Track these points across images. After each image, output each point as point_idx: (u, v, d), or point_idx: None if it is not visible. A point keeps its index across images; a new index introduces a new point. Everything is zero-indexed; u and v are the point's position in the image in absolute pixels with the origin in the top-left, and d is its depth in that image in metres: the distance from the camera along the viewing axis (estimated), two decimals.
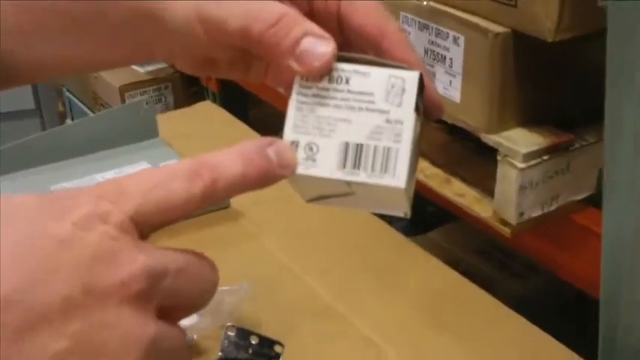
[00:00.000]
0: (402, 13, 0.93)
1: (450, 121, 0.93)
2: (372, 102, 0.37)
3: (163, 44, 0.45)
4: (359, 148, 0.37)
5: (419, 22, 0.91)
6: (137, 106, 0.99)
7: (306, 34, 0.39)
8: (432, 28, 0.89)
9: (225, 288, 0.69)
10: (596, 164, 0.90)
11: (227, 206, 0.86)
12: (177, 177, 0.34)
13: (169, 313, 0.33)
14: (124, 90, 1.64)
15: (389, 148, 0.37)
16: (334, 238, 0.82)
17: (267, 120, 1.35)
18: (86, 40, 0.46)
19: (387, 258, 0.79)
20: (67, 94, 1.95)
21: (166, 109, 1.64)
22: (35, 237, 0.30)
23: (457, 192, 0.96)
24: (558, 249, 0.92)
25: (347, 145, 0.37)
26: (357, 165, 0.37)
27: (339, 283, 0.74)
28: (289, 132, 0.38)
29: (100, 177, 0.93)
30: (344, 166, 0.37)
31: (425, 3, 0.90)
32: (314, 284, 0.74)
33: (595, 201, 0.91)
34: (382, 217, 0.90)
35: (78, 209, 0.31)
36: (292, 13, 0.40)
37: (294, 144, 0.38)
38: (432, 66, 0.91)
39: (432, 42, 0.90)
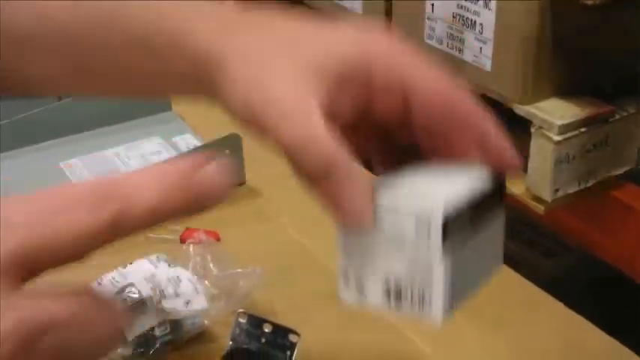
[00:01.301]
0: None
1: (479, 92, 0.87)
2: (403, 242, 0.38)
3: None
4: (398, 284, 0.39)
5: None
6: None
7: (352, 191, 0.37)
8: None
9: (238, 271, 0.64)
10: (636, 137, 0.84)
11: (243, 183, 0.81)
12: (79, 204, 0.28)
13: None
14: None
15: (423, 289, 0.38)
16: None
17: None
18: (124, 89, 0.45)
19: None
20: None
21: None
22: None
23: None
24: (595, 228, 0.86)
25: (389, 279, 0.39)
26: (398, 297, 0.39)
27: None
28: (341, 258, 0.41)
29: (110, 152, 0.88)
30: (388, 297, 0.39)
31: None
32: (332, 268, 0.69)
33: (635, 176, 0.85)
34: None
35: None
36: (343, 159, 0.36)
37: (344, 269, 0.41)
38: (461, 32, 0.85)
39: (461, 6, 0.84)
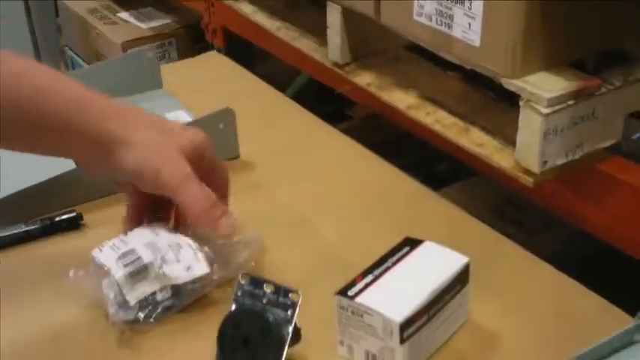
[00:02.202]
0: None
1: (468, 67, 0.89)
2: (377, 332, 0.56)
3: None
4: (374, 355, 0.58)
5: None
6: (139, 55, 0.94)
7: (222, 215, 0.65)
8: None
9: (237, 239, 0.65)
10: (622, 110, 0.85)
11: (237, 156, 0.82)
12: None
13: None
14: (126, 46, 1.59)
15: None
16: (349, 188, 0.78)
17: (273, 75, 1.31)
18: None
19: (405, 208, 0.75)
20: (70, 52, 1.90)
21: None
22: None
23: (476, 142, 0.91)
24: (583, 200, 0.87)
25: (368, 351, 0.58)
26: None
27: (355, 233, 0.71)
28: (339, 334, 0.59)
29: None
30: None
31: None
32: (329, 235, 0.71)
33: (621, 149, 0.87)
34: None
35: None
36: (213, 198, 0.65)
37: (342, 342, 0.59)
38: (450, 8, 0.86)
39: None
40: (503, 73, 0.83)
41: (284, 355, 0.54)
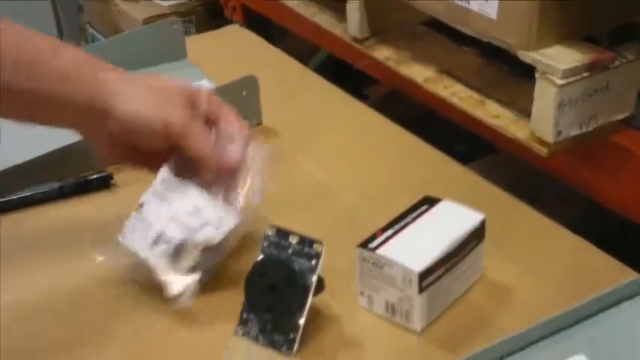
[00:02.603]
0: None
1: (485, 40, 0.91)
2: (396, 282, 0.60)
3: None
4: (393, 305, 0.61)
5: None
6: (164, 26, 0.97)
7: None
8: None
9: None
10: (636, 83, 0.87)
11: (260, 123, 0.85)
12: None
13: None
14: (147, 23, 1.61)
15: (407, 311, 0.61)
16: (370, 154, 0.80)
17: (292, 51, 1.34)
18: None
19: (425, 173, 0.77)
20: (90, 29, 1.93)
21: None
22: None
23: (492, 113, 0.93)
24: (596, 172, 0.90)
25: (387, 301, 0.61)
26: (393, 312, 0.62)
27: (375, 196, 0.73)
28: (360, 285, 0.63)
29: None
30: (387, 310, 0.62)
31: None
32: (350, 198, 0.73)
33: (634, 122, 0.89)
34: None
35: None
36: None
37: (361, 288, 0.63)
38: None
39: None
40: (519, 46, 0.86)
41: (308, 303, 0.57)
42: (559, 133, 0.85)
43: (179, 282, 0.60)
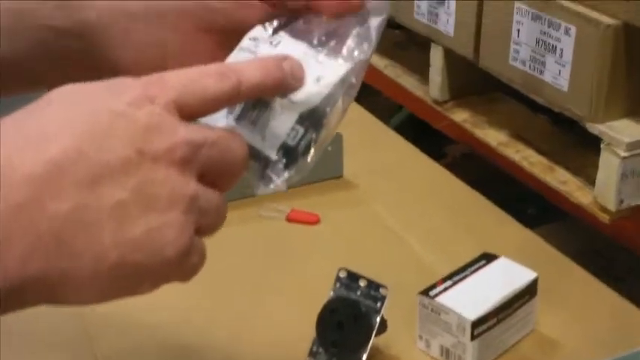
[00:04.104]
0: (515, 4, 0.97)
1: (556, 110, 0.97)
2: (451, 328, 0.66)
3: None
4: (448, 349, 0.66)
5: (532, 12, 0.95)
6: None
7: None
8: (545, 19, 0.93)
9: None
10: None
11: (340, 176, 0.93)
12: (210, 75, 0.41)
13: (210, 179, 0.40)
14: None
15: (460, 355, 0.66)
16: (438, 207, 0.87)
17: (375, 109, 1.42)
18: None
19: (487, 227, 0.83)
20: None
21: None
22: (96, 111, 0.37)
23: (560, 179, 0.99)
24: None
25: (442, 345, 0.67)
26: (447, 356, 0.67)
27: (442, 249, 0.80)
28: (419, 329, 0.68)
29: None
30: (441, 354, 0.67)
31: None
32: (417, 250, 0.80)
33: None
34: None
35: (131, 92, 0.38)
36: None
37: (421, 336, 0.68)
38: (543, 56, 0.95)
39: (544, 32, 0.94)
40: (588, 118, 0.92)
41: (371, 341, 0.63)
42: (621, 201, 0.90)
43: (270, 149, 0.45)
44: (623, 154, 0.88)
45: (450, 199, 0.90)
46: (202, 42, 0.49)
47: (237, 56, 0.47)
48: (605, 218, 0.92)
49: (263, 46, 0.47)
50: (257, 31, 0.49)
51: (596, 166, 0.91)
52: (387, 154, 0.99)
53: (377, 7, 0.49)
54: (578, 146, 1.04)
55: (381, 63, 1.28)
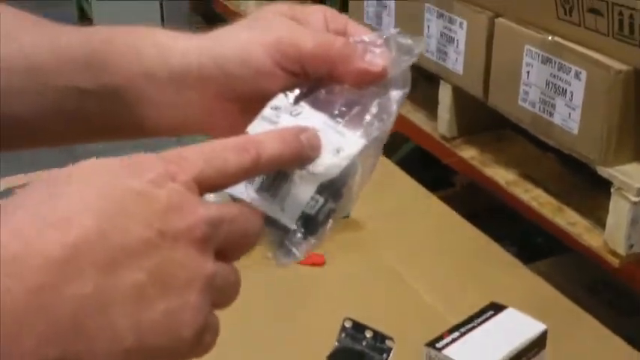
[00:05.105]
0: (526, 46, 0.97)
1: (566, 152, 0.96)
2: None
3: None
4: None
5: (542, 55, 0.95)
6: None
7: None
8: (555, 62, 0.93)
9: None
10: None
11: (347, 216, 0.92)
12: (230, 150, 0.41)
13: (225, 254, 0.40)
14: None
15: None
16: (445, 252, 0.86)
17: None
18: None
19: (494, 274, 0.83)
20: None
21: None
22: (116, 190, 0.37)
23: (569, 221, 0.99)
24: None
25: None
26: None
27: (449, 295, 0.79)
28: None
29: None
30: None
31: (550, 38, 0.94)
32: (423, 291, 0.79)
33: None
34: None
35: (151, 170, 0.38)
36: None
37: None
38: (553, 98, 0.95)
39: (554, 75, 0.94)
40: (598, 161, 0.91)
41: None
42: (631, 246, 0.89)
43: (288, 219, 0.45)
44: (634, 199, 0.87)
45: (458, 244, 0.89)
46: (223, 107, 0.50)
47: (259, 126, 0.47)
48: (614, 262, 0.91)
49: (284, 116, 0.47)
50: (279, 99, 0.49)
51: (606, 208, 0.91)
52: (396, 194, 0.99)
53: (399, 78, 0.49)
54: (587, 187, 1.03)
55: None
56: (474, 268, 0.85)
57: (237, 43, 0.50)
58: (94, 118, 0.51)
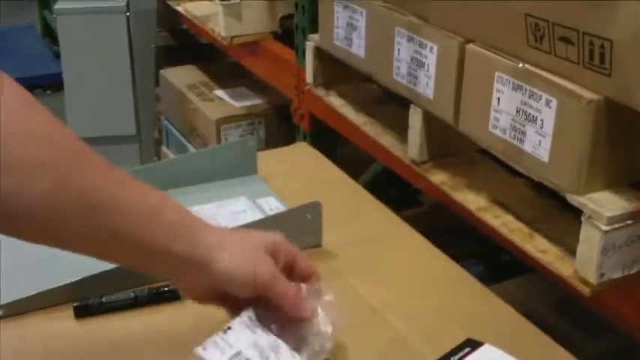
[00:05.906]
0: (496, 73, 0.97)
1: (536, 179, 0.96)
2: None
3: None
4: None
5: (513, 82, 0.95)
6: (242, 144, 1.05)
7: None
8: (526, 90, 0.93)
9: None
10: None
11: (319, 245, 0.91)
12: None
13: None
14: (220, 123, 1.72)
15: None
16: (418, 283, 0.86)
17: (353, 157, 1.41)
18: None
19: (468, 305, 0.82)
20: (165, 122, 2.04)
21: (258, 143, 1.71)
22: None
23: (540, 248, 0.98)
24: (637, 311, 0.93)
25: None
26: None
27: (425, 327, 0.78)
28: None
29: (198, 208, 0.99)
30: None
31: (521, 65, 0.94)
32: (399, 327, 0.79)
33: None
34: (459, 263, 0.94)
35: None
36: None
37: None
38: (523, 125, 0.95)
39: (525, 102, 0.94)
40: (569, 189, 0.91)
41: None
42: (602, 275, 0.89)
43: None
44: (605, 227, 0.87)
45: (430, 272, 0.89)
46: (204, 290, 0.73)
47: (239, 329, 0.71)
48: (585, 291, 0.91)
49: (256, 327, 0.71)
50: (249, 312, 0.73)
51: (576, 234, 0.91)
52: (368, 222, 0.98)
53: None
54: (558, 212, 1.03)
55: (359, 120, 1.27)
56: (448, 299, 0.84)
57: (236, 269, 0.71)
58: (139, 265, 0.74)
